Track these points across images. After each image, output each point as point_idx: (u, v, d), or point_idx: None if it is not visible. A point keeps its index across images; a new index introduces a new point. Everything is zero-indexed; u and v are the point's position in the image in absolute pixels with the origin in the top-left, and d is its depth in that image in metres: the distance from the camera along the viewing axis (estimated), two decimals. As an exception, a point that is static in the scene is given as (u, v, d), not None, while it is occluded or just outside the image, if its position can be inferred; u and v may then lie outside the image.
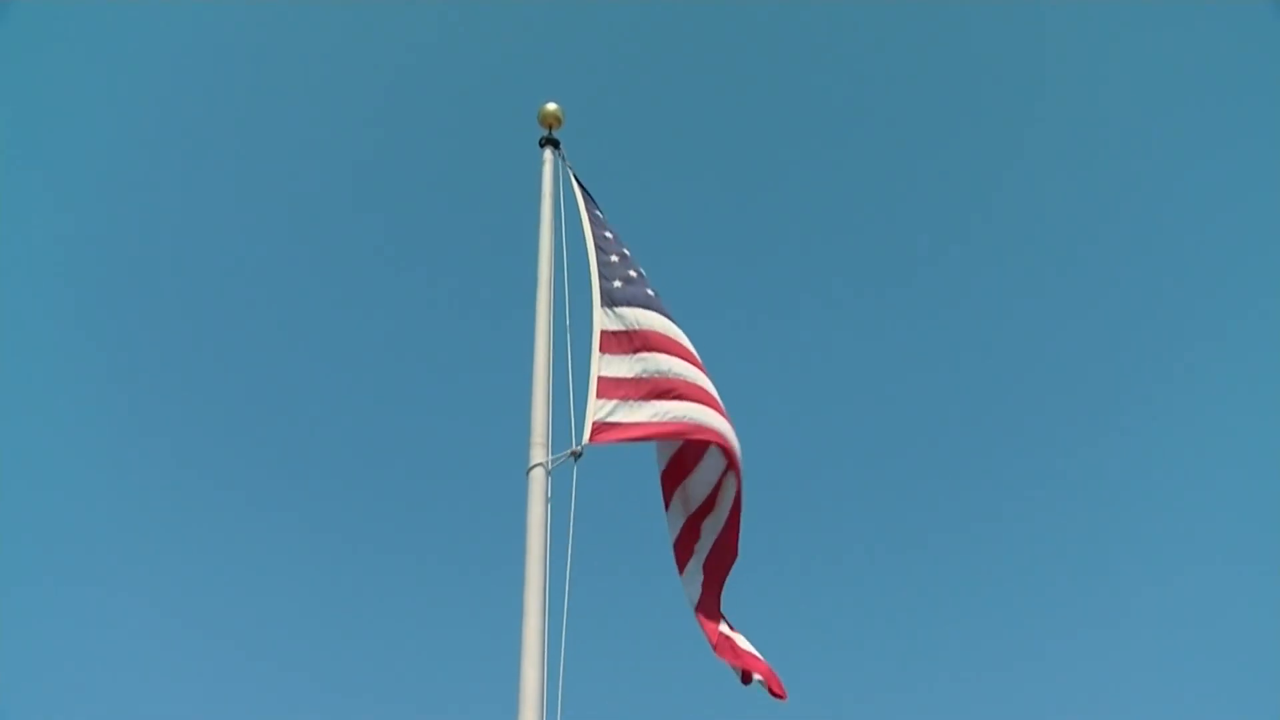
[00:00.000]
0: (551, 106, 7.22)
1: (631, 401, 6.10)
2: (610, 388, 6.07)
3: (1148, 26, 19.67)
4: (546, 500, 5.59)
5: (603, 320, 6.33)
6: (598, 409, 5.94)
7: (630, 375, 6.20)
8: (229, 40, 19.66)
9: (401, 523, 19.35)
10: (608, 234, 6.89)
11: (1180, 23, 19.11)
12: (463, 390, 20.62)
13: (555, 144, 7.13)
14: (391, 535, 19.14)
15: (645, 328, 6.43)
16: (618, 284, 6.56)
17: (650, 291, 6.71)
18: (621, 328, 6.36)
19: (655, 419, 6.10)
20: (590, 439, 5.79)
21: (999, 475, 20.34)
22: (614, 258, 6.72)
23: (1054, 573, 18.43)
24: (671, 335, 6.51)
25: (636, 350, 6.31)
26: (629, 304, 6.48)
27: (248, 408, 19.69)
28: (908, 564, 19.09)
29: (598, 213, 7.04)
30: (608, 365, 6.16)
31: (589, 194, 7.11)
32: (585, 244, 6.70)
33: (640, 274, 6.81)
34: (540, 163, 7.05)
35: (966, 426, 20.25)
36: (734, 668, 6.35)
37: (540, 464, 5.66)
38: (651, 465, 6.60)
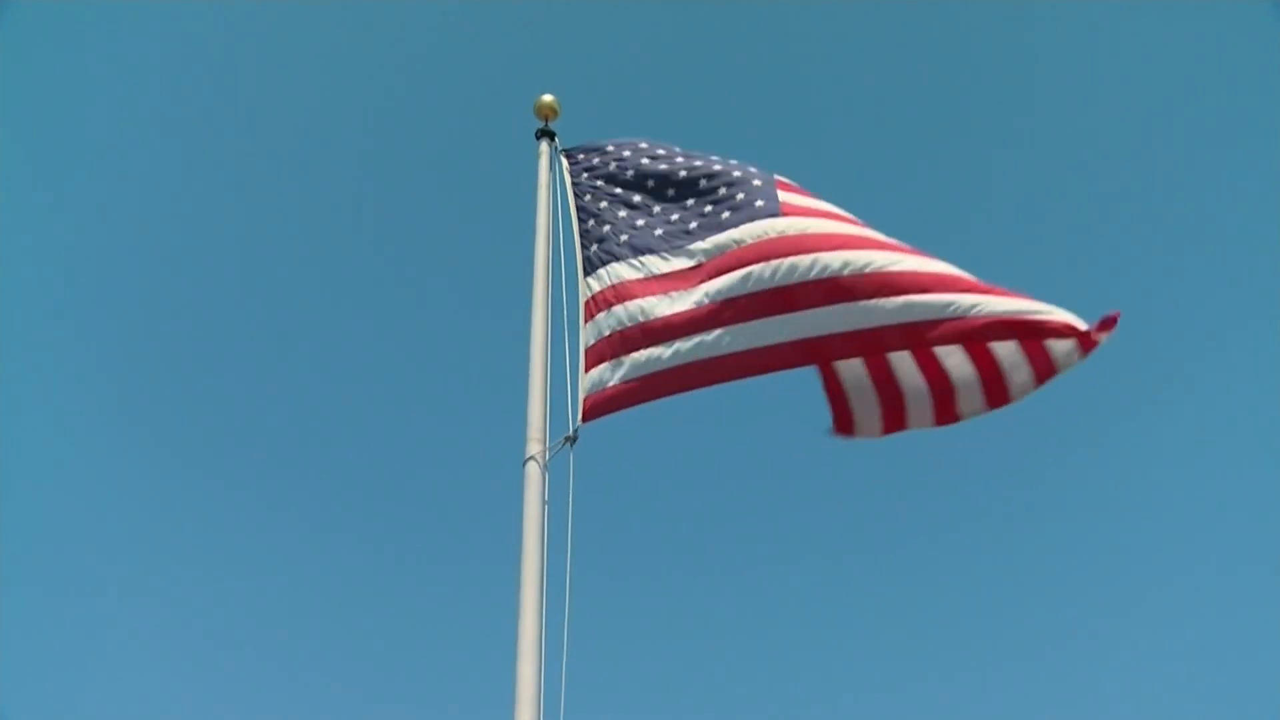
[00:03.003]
0: (547, 98, 7.15)
1: (610, 362, 5.82)
2: (593, 355, 5.90)
3: (1146, 26, 19.65)
4: (543, 494, 5.53)
5: (585, 291, 6.18)
6: (587, 384, 5.81)
7: (605, 333, 5.93)
8: (224, 36, 19.67)
9: (398, 518, 19.37)
10: (599, 181, 6.63)
11: (1180, 23, 19.09)
12: (460, 383, 20.62)
13: (551, 136, 7.07)
14: (387, 530, 19.14)
15: (617, 280, 6.10)
16: (595, 248, 6.36)
17: (635, 235, 6.29)
18: (598, 288, 6.13)
19: (633, 377, 5.74)
20: (583, 419, 5.68)
21: (999, 475, 20.30)
22: (591, 222, 6.49)
23: (1054, 573, 18.39)
24: (655, 272, 6.04)
25: (609, 305, 6.02)
26: (605, 262, 6.24)
27: (240, 403, 19.69)
28: (907, 563, 19.05)
29: (584, 175, 6.76)
30: (589, 333, 6.00)
31: (594, 153, 6.86)
32: (573, 227, 6.56)
33: (641, 210, 6.41)
34: (536, 155, 6.96)
35: (965, 425, 20.16)
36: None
37: (535, 456, 5.60)
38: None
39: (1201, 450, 18.79)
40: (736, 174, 6.37)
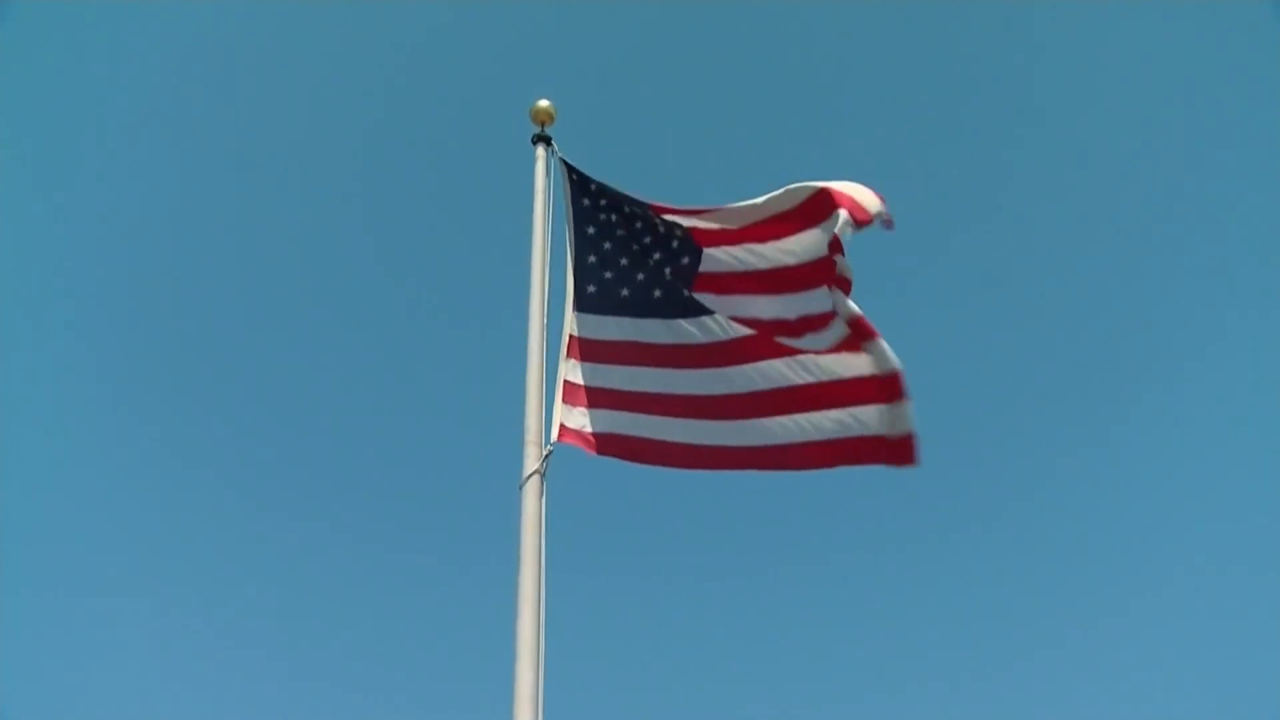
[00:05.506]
0: (544, 103, 7.15)
1: (597, 410, 6.17)
2: (574, 394, 6.17)
3: (1146, 26, 19.62)
4: (540, 501, 5.57)
5: (572, 325, 6.39)
6: (565, 414, 6.07)
7: (599, 385, 6.27)
8: (222, 39, 19.68)
9: (398, 521, 19.37)
10: (601, 216, 6.74)
11: (1180, 23, 19.07)
12: (457, 391, 20.61)
13: (548, 141, 7.08)
14: (388, 533, 19.15)
15: (618, 339, 6.40)
16: (591, 289, 6.55)
17: (630, 292, 6.56)
18: (591, 336, 6.40)
19: (618, 431, 6.16)
20: (558, 438, 5.92)
21: (998, 475, 20.32)
22: (591, 258, 6.64)
23: (1054, 573, 18.41)
24: (658, 342, 6.39)
25: (607, 361, 6.35)
26: (604, 310, 6.48)
27: (239, 406, 19.68)
28: (906, 563, 19.08)
29: (585, 201, 6.84)
30: (574, 370, 6.24)
31: (588, 183, 6.89)
32: (567, 245, 6.70)
33: (641, 258, 6.60)
34: (533, 160, 6.97)
35: (965, 427, 20.20)
36: None
37: (533, 463, 5.65)
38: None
39: (1202, 450, 18.81)
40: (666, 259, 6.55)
